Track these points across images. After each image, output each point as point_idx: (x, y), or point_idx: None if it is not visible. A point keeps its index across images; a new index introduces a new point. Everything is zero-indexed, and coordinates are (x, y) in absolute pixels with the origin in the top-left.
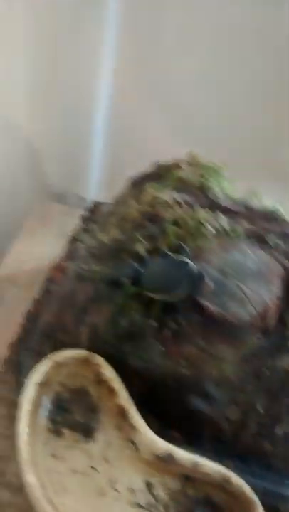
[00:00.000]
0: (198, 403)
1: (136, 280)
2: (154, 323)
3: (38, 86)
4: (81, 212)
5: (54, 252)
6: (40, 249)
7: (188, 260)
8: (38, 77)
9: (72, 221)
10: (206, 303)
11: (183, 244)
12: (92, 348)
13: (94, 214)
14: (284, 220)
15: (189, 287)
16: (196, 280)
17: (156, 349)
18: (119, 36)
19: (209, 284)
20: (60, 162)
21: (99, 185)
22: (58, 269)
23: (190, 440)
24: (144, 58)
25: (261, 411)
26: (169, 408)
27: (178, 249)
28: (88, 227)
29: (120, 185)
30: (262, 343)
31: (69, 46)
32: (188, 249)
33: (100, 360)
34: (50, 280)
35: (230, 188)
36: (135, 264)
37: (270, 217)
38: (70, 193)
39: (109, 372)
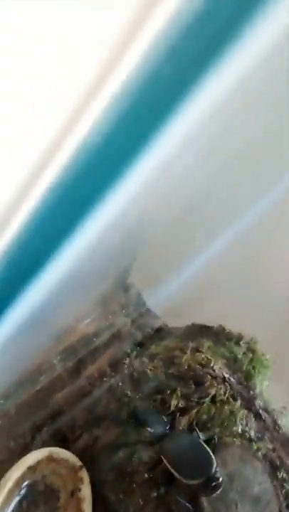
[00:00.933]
0: None
1: (158, 437)
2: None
3: None
4: None
5: None
6: None
7: (214, 460)
8: None
9: None
10: (204, 507)
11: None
12: (83, 456)
13: (153, 336)
14: None
15: (204, 486)
16: (213, 485)
17: (132, 504)
18: None
19: (218, 491)
20: None
21: None
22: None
23: None
24: None
25: None
26: None
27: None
28: (143, 347)
29: None
30: None
31: None
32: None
33: (85, 476)
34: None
35: (268, 389)
36: (165, 424)
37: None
38: None
39: (86, 492)
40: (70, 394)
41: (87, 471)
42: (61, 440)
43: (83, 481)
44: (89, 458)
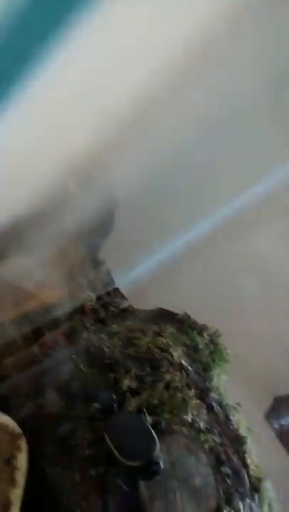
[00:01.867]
0: None
1: (104, 412)
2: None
3: None
4: None
5: None
6: None
7: (157, 444)
8: None
9: None
10: (141, 491)
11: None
12: (24, 425)
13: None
14: (246, 462)
15: (143, 469)
16: (153, 469)
17: (68, 479)
18: None
19: (157, 477)
20: None
21: None
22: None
23: None
24: None
25: None
26: None
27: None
28: (104, 324)
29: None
30: None
31: None
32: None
33: (23, 445)
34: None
35: (224, 384)
36: (114, 403)
37: (238, 442)
38: None
39: (22, 461)
40: (20, 360)
41: (27, 440)
42: (4, 407)
43: (21, 450)
44: (30, 427)
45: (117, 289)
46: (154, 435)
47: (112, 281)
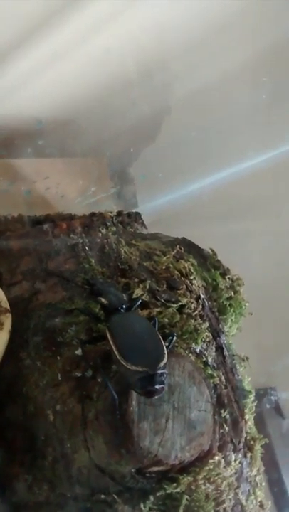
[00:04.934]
0: None
1: (109, 311)
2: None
3: None
4: None
5: None
6: None
7: (166, 355)
8: None
9: None
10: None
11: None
12: (14, 305)
13: (130, 223)
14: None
15: (142, 380)
16: (152, 383)
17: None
18: None
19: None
20: None
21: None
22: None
23: None
24: None
25: None
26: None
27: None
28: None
29: None
30: None
31: None
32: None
33: (7, 323)
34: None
35: (232, 332)
36: (123, 303)
37: (241, 394)
38: None
39: (2, 340)
40: (24, 237)
41: (12, 323)
42: None
43: (3, 327)
44: (19, 310)
45: (138, 214)
46: (164, 346)
47: (135, 203)
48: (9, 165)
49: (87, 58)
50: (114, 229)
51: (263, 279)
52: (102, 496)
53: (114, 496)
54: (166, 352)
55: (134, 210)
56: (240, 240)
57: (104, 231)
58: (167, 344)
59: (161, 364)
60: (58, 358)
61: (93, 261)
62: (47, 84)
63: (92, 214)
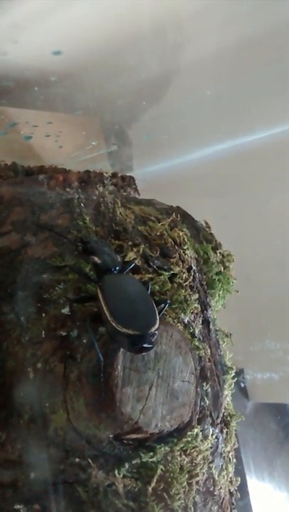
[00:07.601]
0: None
1: (101, 271)
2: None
3: None
4: None
5: None
6: None
7: (158, 320)
8: None
9: None
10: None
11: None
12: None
13: (124, 187)
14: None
15: (131, 343)
16: (140, 347)
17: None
18: None
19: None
20: None
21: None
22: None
23: None
24: None
25: None
26: None
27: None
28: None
29: None
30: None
31: None
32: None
33: None
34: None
35: (216, 307)
36: (117, 264)
37: (222, 369)
38: None
39: None
40: (18, 185)
41: None
42: None
43: None
44: (5, 262)
45: (132, 178)
46: (156, 310)
47: (131, 167)
48: (12, 111)
49: (98, 9)
50: (111, 188)
51: (252, 259)
52: (77, 460)
53: (89, 461)
54: (158, 318)
55: (128, 174)
56: (232, 218)
57: (101, 189)
58: (159, 311)
59: (153, 329)
60: (43, 315)
61: (88, 219)
62: (54, 33)
63: (88, 172)
